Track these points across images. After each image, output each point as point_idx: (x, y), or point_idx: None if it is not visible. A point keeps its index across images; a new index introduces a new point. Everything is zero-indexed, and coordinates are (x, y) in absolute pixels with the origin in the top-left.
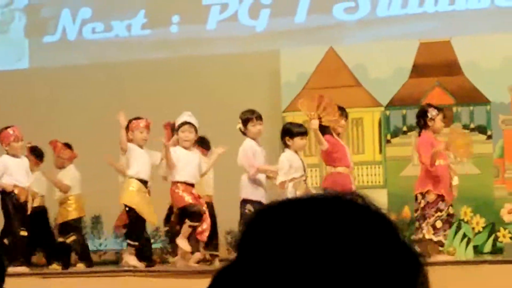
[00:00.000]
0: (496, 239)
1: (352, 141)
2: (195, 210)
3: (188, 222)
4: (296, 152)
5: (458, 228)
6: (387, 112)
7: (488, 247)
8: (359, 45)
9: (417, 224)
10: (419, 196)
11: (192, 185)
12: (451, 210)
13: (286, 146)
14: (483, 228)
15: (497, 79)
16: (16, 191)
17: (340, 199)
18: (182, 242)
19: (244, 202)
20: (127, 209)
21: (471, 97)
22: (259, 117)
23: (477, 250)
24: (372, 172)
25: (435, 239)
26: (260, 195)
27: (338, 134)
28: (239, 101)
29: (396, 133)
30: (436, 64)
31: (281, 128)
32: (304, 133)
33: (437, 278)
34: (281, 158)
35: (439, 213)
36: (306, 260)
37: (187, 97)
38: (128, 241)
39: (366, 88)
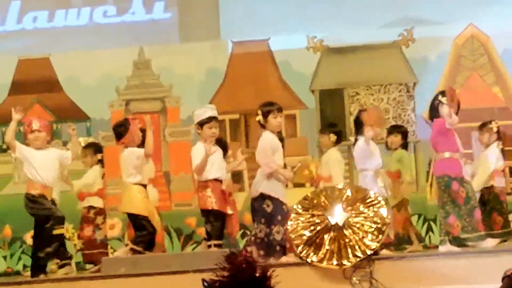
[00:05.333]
0: None
1: None
2: None
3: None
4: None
5: None
6: None
7: None
8: None
9: None
10: None
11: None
12: None
13: (360, 134)
14: None
15: (96, 96)
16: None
17: None
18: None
19: (262, 197)
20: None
21: (71, 113)
22: (280, 109)
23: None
24: None
25: None
26: (280, 192)
27: None
28: None
29: None
30: (35, 81)
31: (356, 117)
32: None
33: None
34: (361, 145)
35: None
36: None
37: None
38: (134, 246)
39: None
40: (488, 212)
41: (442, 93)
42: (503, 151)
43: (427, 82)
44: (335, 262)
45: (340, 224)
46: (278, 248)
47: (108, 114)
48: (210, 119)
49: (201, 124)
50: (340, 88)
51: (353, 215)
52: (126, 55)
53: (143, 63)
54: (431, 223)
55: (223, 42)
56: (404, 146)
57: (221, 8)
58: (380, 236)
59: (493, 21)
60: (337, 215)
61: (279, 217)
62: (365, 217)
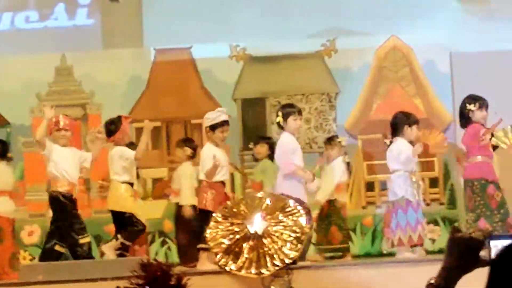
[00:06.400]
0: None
1: None
2: None
3: None
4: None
5: None
6: None
7: None
8: None
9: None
10: None
11: None
12: None
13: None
14: None
15: (17, 101)
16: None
17: None
18: None
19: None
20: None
21: None
22: (300, 112)
23: None
24: None
25: None
26: (300, 192)
27: None
28: None
29: None
30: None
31: (394, 119)
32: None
33: None
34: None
35: None
36: None
37: None
38: (124, 241)
39: None
40: (327, 226)
41: (469, 100)
42: (348, 166)
43: (349, 92)
44: (253, 271)
45: (260, 232)
46: None
47: (29, 120)
48: (223, 123)
49: (212, 127)
50: (262, 97)
51: (273, 224)
52: (48, 61)
53: (65, 70)
54: (350, 233)
55: (146, 49)
56: (270, 157)
57: (144, 16)
58: (299, 245)
59: (416, 33)
60: (257, 223)
61: None
62: (284, 226)
